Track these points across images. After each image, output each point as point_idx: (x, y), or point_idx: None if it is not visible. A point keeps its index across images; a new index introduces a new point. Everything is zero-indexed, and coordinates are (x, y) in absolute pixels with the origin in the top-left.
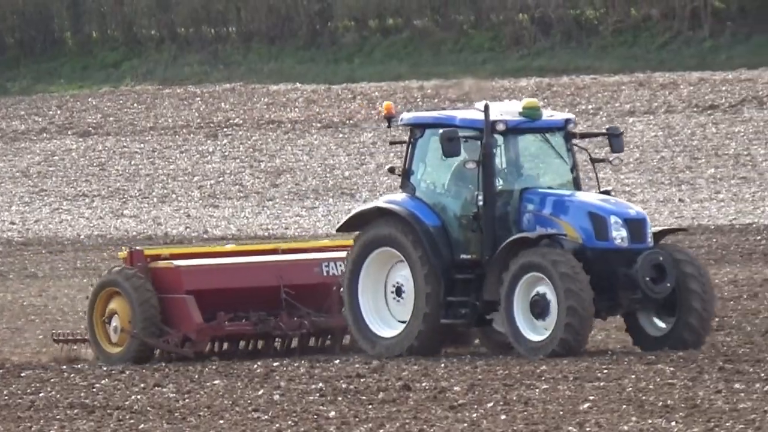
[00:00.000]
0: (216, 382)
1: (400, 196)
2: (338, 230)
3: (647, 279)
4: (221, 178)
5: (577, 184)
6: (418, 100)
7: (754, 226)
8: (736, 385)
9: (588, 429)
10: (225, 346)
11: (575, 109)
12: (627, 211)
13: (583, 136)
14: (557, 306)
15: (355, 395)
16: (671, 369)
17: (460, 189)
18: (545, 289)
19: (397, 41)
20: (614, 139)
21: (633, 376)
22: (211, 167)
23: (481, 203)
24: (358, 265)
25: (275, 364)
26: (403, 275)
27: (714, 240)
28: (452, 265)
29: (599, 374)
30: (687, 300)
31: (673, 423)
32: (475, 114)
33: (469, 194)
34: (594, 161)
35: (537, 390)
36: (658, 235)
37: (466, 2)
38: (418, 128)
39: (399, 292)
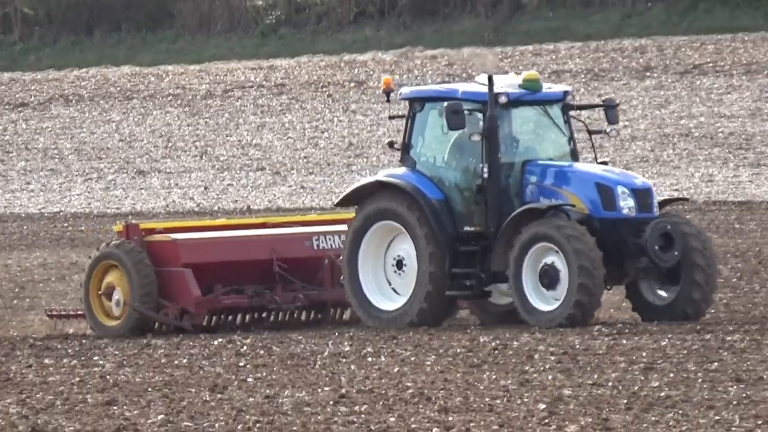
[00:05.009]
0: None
1: (401, 169)
2: (337, 204)
3: (656, 248)
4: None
5: (574, 155)
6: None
7: (61, 214)
8: (46, 360)
9: None
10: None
11: None
12: (633, 181)
13: (579, 108)
14: (568, 275)
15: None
16: None
17: (461, 162)
18: (555, 259)
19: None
20: (610, 110)
21: None
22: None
23: (486, 175)
24: (358, 238)
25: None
26: (404, 248)
27: (25, 227)
28: (456, 237)
29: None
30: (691, 274)
31: None
32: (476, 87)
33: (470, 167)
34: (591, 133)
35: None
36: (661, 204)
37: None
38: (417, 102)
39: (400, 265)
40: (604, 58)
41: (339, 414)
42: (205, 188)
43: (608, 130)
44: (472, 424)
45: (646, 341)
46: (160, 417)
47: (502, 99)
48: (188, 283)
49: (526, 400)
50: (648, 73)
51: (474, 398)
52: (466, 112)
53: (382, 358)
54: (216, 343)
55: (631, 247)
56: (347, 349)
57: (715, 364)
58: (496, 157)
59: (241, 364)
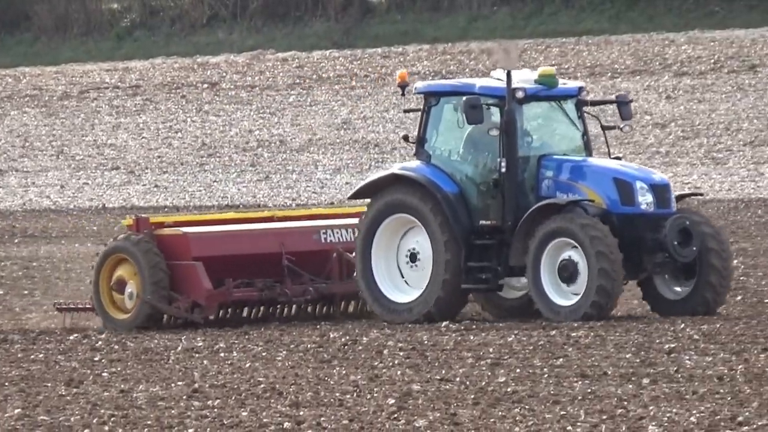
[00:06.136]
0: None
1: (415, 163)
2: (351, 197)
3: (675, 243)
4: None
5: (588, 150)
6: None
7: None
8: None
9: None
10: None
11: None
12: (651, 177)
13: (593, 103)
14: (587, 270)
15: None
16: None
17: (476, 156)
18: (573, 254)
19: None
20: (623, 106)
21: None
22: None
23: (504, 170)
24: (371, 231)
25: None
26: (418, 241)
27: None
28: (471, 230)
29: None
30: (706, 274)
31: None
32: (493, 82)
33: (486, 161)
34: (605, 128)
35: None
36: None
37: None
38: (432, 96)
39: (414, 258)
40: (452, 61)
41: (192, 408)
42: (62, 187)
43: (622, 125)
44: (322, 419)
45: (493, 337)
46: (16, 411)
47: (519, 94)
48: (200, 277)
49: (375, 395)
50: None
51: (324, 393)
52: (484, 106)
53: (234, 354)
54: (72, 338)
55: (649, 242)
56: (200, 344)
57: (561, 359)
58: (514, 151)
59: (96, 358)
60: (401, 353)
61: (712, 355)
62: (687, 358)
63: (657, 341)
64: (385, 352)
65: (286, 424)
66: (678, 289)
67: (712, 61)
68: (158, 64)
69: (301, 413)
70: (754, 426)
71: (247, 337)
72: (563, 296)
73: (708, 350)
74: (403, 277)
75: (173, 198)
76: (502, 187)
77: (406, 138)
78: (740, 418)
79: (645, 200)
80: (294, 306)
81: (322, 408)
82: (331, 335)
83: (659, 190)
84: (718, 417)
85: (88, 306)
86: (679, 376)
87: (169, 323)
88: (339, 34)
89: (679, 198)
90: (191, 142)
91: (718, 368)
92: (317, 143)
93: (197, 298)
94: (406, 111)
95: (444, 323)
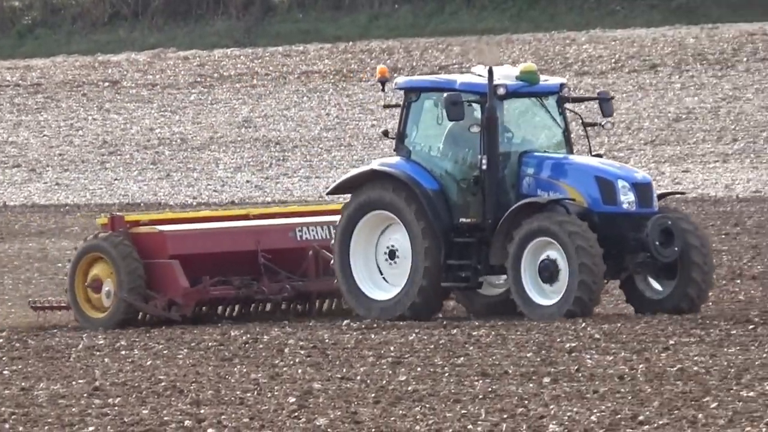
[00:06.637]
0: None
1: (395, 159)
2: (329, 193)
3: (657, 243)
4: None
5: (569, 147)
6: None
7: None
8: None
9: None
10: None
11: None
12: (634, 175)
13: (575, 100)
14: (568, 269)
15: None
16: None
17: (457, 152)
18: (554, 253)
19: None
20: (604, 103)
21: None
22: None
23: (485, 167)
24: (350, 228)
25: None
26: (397, 238)
27: None
28: (451, 228)
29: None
30: (688, 271)
31: None
32: (474, 78)
33: (467, 157)
34: (586, 125)
35: None
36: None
37: None
38: (413, 92)
39: (392, 255)
40: (353, 60)
41: (93, 406)
42: None
43: (603, 122)
44: (223, 417)
45: (394, 336)
46: None
47: (501, 91)
48: (176, 275)
49: (276, 393)
50: (396, 74)
51: (225, 391)
52: (465, 103)
53: (136, 351)
54: None
55: (631, 241)
56: (101, 342)
57: (462, 358)
58: (495, 148)
59: None
60: (302, 352)
61: (613, 354)
62: (588, 357)
63: (558, 340)
64: (286, 350)
65: (187, 422)
66: (659, 288)
67: (613, 60)
68: (59, 62)
69: (202, 411)
70: (655, 425)
71: (148, 335)
72: (544, 296)
73: (609, 349)
74: (381, 275)
75: (74, 196)
76: (483, 184)
77: (386, 133)
78: (641, 417)
79: (627, 199)
80: (273, 304)
81: (223, 406)
82: (233, 333)
83: (641, 189)
84: (619, 416)
85: (63, 305)
86: (580, 375)
87: (144, 320)
88: (240, 32)
89: (661, 197)
90: (92, 140)
91: (619, 367)
92: (218, 141)
93: (174, 297)
94: (385, 107)
95: (345, 321)
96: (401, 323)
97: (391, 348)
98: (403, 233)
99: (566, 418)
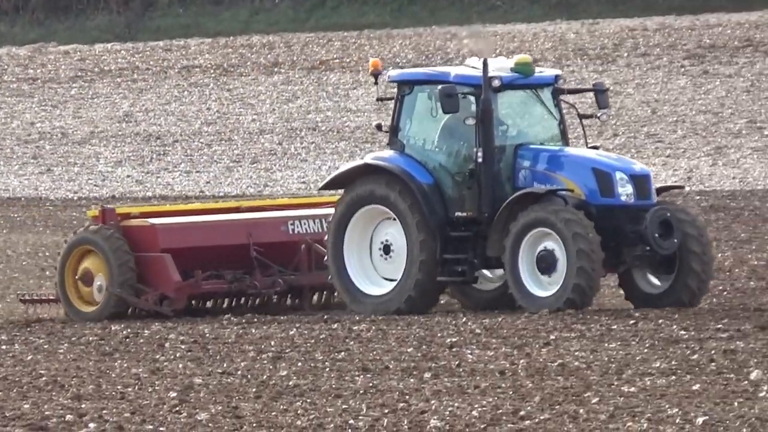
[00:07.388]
0: None
1: (389, 153)
2: (322, 188)
3: (656, 235)
4: None
5: (565, 139)
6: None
7: None
8: None
9: None
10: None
11: None
12: (632, 167)
13: (570, 92)
14: (566, 260)
15: None
16: None
17: (452, 145)
18: (552, 244)
19: None
20: (600, 94)
21: None
22: None
23: (480, 160)
24: (343, 222)
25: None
26: (391, 233)
27: None
28: (446, 222)
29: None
30: (687, 261)
31: None
32: (468, 70)
33: (462, 151)
34: (582, 117)
35: None
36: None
37: None
38: (406, 85)
39: (387, 250)
40: (233, 54)
41: None
42: None
43: (599, 114)
44: (104, 411)
45: (274, 330)
46: None
47: (496, 83)
48: (168, 269)
49: (157, 387)
50: (276, 69)
51: (106, 386)
52: (459, 95)
53: (16, 346)
54: None
55: (630, 234)
56: None
57: (343, 353)
58: (490, 141)
59: None
60: (183, 346)
61: (494, 349)
62: (469, 352)
63: (439, 335)
64: (167, 345)
65: (68, 417)
66: (657, 282)
67: (494, 55)
68: None
69: (83, 406)
70: (536, 420)
71: (29, 329)
72: (542, 287)
73: (490, 344)
74: (376, 270)
75: None
76: (478, 177)
77: (379, 127)
78: (522, 412)
79: (625, 191)
80: (266, 297)
81: (104, 401)
82: (113, 328)
83: (639, 181)
84: (500, 411)
85: (51, 298)
86: (461, 370)
87: (134, 314)
88: (121, 27)
89: (660, 191)
90: None
91: (500, 362)
92: (99, 136)
93: (166, 291)
94: (379, 99)
95: (226, 316)
96: (283, 317)
97: (272, 343)
98: (398, 228)
99: (447, 413)
